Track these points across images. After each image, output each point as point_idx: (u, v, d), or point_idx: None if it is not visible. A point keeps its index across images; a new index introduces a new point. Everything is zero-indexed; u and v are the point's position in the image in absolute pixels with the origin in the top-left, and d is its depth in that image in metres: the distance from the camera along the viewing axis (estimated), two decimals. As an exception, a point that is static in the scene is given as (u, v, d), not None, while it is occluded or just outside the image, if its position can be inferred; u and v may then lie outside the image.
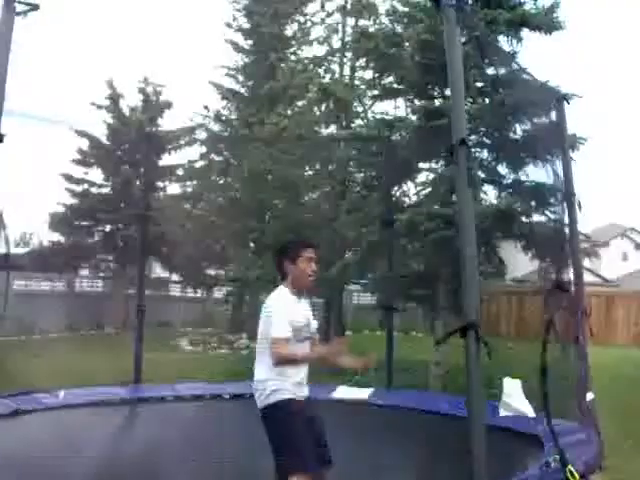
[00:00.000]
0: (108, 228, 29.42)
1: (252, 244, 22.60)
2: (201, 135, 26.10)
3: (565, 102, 6.56)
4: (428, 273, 13.62)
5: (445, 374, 13.05)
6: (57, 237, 29.91)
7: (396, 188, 13.12)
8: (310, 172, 17.64)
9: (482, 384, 3.71)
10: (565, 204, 6.66)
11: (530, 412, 5.74)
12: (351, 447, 6.00)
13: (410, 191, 14.12)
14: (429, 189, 13.68)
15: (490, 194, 13.37)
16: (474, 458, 3.58)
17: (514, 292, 24.60)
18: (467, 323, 3.68)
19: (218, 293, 28.09)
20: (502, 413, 5.83)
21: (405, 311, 18.39)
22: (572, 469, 4.02)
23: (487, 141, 13.27)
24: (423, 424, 6.82)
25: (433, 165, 13.90)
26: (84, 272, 30.65)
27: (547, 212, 12.52)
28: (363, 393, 7.65)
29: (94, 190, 29.58)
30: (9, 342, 19.96)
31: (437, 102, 13.30)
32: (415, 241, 12.97)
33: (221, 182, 23.94)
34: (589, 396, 5.46)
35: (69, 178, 29.29)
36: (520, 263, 17.86)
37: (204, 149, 25.72)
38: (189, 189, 28.14)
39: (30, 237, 34.95)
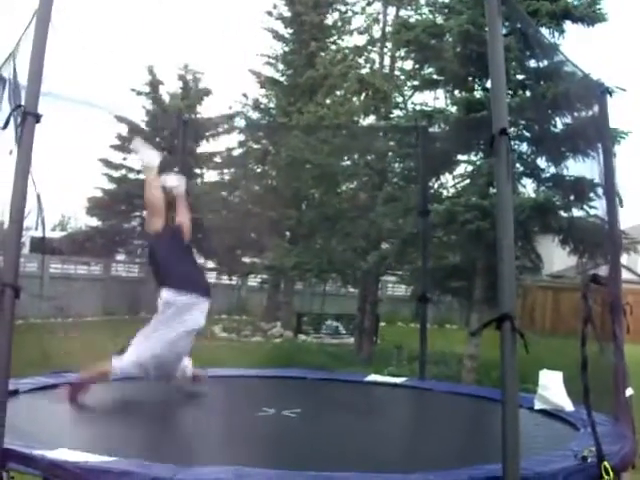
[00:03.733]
0: (145, 214, 29.53)
1: (288, 233, 22.64)
2: (239, 123, 26.16)
3: (608, 95, 6.47)
4: (464, 265, 13.57)
5: (478, 368, 13.02)
6: (94, 222, 30.15)
7: (434, 180, 13.03)
8: (347, 162, 17.59)
9: (517, 377, 3.66)
10: (605, 199, 6.56)
11: (569, 406, 5.68)
12: (384, 423, 6.03)
13: (448, 183, 14.05)
14: (467, 181, 13.62)
15: (528, 187, 13.27)
16: (507, 446, 3.56)
17: (550, 287, 24.45)
18: (503, 314, 3.64)
19: (253, 281, 28.15)
20: (537, 406, 5.78)
21: (440, 303, 18.36)
22: (608, 465, 3.97)
23: (527, 134, 13.16)
24: (457, 405, 6.79)
25: (472, 157, 13.82)
26: (120, 257, 30.86)
27: (586, 207, 12.41)
28: (397, 380, 7.64)
29: (132, 176, 29.73)
30: (45, 324, 20.13)
31: (477, 94, 13.22)
32: (452, 233, 12.90)
33: (258, 170, 23.97)
34: (628, 392, 5.39)
35: (107, 163, 29.48)
36: (556, 258, 17.76)
37: (242, 137, 25.76)
38: (226, 177, 28.20)
39: (68, 221, 35.22)
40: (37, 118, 3.91)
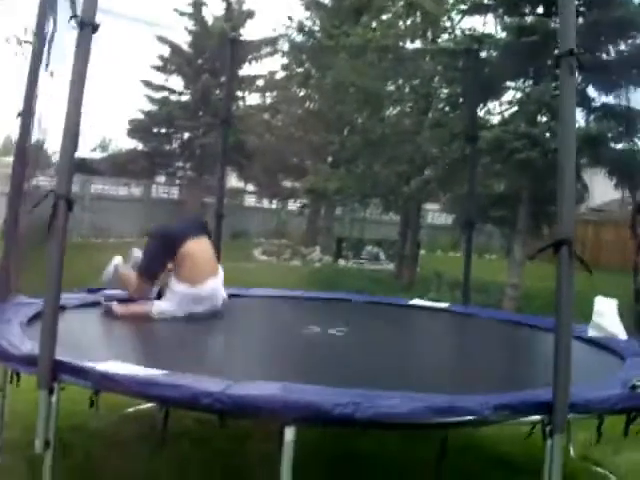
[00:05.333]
0: (186, 136, 29.54)
1: (330, 158, 22.50)
2: (283, 46, 25.85)
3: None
4: (509, 194, 13.45)
5: (520, 297, 12.99)
6: (135, 143, 30.21)
7: (481, 106, 12.81)
8: (393, 87, 17.31)
9: (572, 304, 3.59)
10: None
11: (623, 334, 5.61)
12: (430, 346, 6.09)
13: (495, 110, 13.82)
14: (515, 108, 13.38)
15: (577, 116, 13.00)
16: (559, 372, 3.52)
17: (591, 221, 24.19)
18: (561, 239, 3.56)
19: (293, 205, 28.16)
20: (591, 334, 5.71)
21: (480, 233, 18.23)
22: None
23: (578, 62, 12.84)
24: (503, 331, 6.75)
25: (520, 84, 13.55)
26: (160, 179, 30.97)
27: (636, 139, 12.18)
28: (440, 304, 7.60)
29: (173, 98, 29.67)
30: (84, 243, 20.34)
31: (528, 19, 12.91)
32: (498, 161, 12.73)
33: (301, 94, 23.76)
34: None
35: (149, 85, 29.43)
36: (597, 192, 17.49)
37: (285, 60, 25.50)
38: (268, 100, 28.03)
39: (109, 142, 35.31)
40: (94, 28, 3.83)
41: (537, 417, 3.67)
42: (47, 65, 5.19)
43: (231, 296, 7.22)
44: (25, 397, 4.50)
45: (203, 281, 5.97)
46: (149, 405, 5.54)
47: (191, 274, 5.91)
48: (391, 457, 5.83)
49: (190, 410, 3.78)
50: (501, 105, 13.90)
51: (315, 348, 5.36)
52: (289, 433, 3.40)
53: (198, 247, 6.05)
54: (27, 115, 5.26)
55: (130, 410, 6.26)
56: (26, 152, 5.31)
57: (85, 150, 33.42)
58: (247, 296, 7.40)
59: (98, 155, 33.80)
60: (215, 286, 6.10)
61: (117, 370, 3.77)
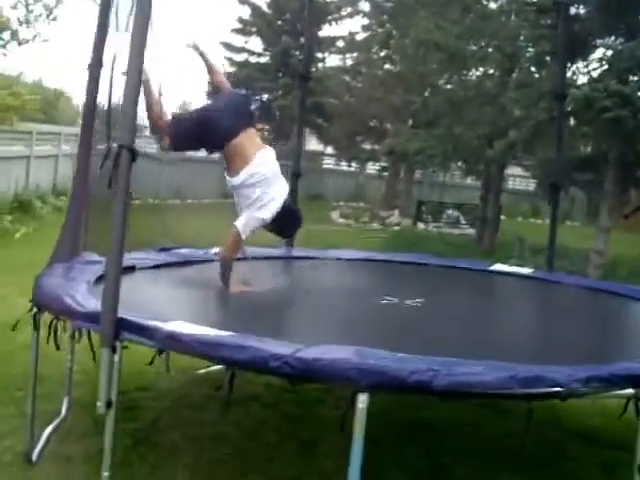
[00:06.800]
0: (265, 98, 29.43)
1: (411, 121, 22.15)
2: (364, 6, 25.49)
3: None
4: (596, 157, 12.98)
5: (605, 264, 12.56)
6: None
7: (569, 64, 12.31)
8: (476, 46, 16.83)
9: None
10: None
11: None
12: (512, 313, 5.82)
13: (583, 69, 13.29)
14: (605, 67, 12.84)
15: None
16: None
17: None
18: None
19: (372, 169, 27.87)
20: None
21: (563, 199, 17.71)
22: None
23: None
24: (589, 300, 6.41)
25: (611, 41, 12.99)
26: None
27: None
28: (524, 270, 7.26)
29: (253, 60, 29.56)
30: (162, 205, 20.43)
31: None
32: (585, 122, 12.25)
33: (382, 54, 23.39)
34: None
35: (229, 47, 29.35)
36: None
37: (366, 21, 25.13)
38: (349, 62, 27.67)
39: (189, 106, 35.37)
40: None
41: (630, 391, 3.42)
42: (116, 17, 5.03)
43: (305, 258, 7.07)
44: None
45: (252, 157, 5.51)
46: (220, 367, 5.38)
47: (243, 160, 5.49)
48: (467, 429, 5.63)
49: (257, 373, 3.56)
50: (587, 66, 13.35)
51: (391, 316, 5.12)
52: (362, 400, 3.21)
53: (249, 142, 5.55)
54: (96, 68, 5.11)
55: (201, 371, 6.15)
56: (95, 106, 5.15)
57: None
58: (322, 258, 7.18)
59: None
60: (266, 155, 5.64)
61: (182, 330, 3.61)
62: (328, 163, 30.79)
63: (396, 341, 3.97)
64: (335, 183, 28.40)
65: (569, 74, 12.93)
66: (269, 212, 5.44)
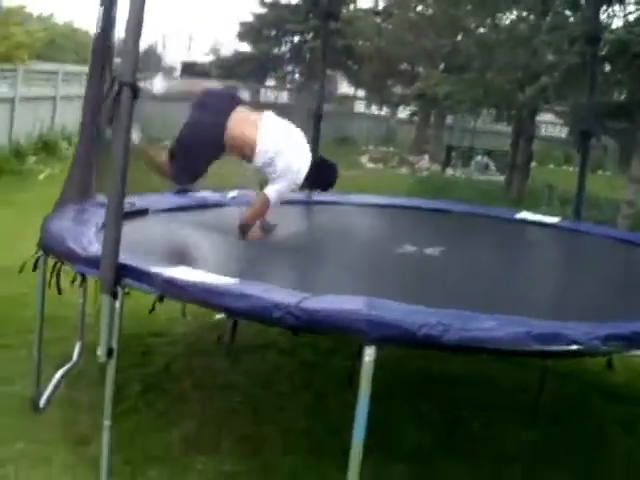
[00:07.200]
0: (296, 39, 29.08)
1: (442, 65, 21.77)
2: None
3: None
4: (629, 104, 12.63)
5: (635, 214, 12.30)
6: (245, 47, 29.89)
7: (605, 8, 11.92)
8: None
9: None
10: None
11: None
12: (536, 265, 5.60)
13: (620, 12, 12.87)
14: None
15: None
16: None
17: None
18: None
19: (402, 113, 27.52)
20: None
21: (594, 147, 17.35)
22: None
23: None
24: (617, 252, 6.18)
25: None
26: (270, 83, 30.64)
27: None
28: (550, 219, 7.02)
29: (284, 0, 29.16)
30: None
31: None
32: (619, 67, 11.90)
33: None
34: None
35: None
36: None
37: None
38: (381, 3, 27.17)
39: (220, 47, 35.01)
40: None
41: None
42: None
43: (327, 203, 6.90)
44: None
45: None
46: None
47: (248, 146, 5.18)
48: (482, 382, 5.50)
49: (260, 323, 3.42)
50: (624, 9, 12.92)
51: (408, 266, 4.96)
52: (369, 353, 3.07)
53: (243, 125, 5.19)
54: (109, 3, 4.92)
55: (217, 317, 6.03)
56: (106, 44, 4.96)
57: (197, 54, 33.31)
58: (342, 203, 7.00)
59: (210, 59, 33.69)
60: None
61: (184, 276, 3.47)
62: (359, 107, 30.41)
63: (410, 292, 3.80)
64: (366, 127, 28.05)
65: (604, 17, 12.55)
66: (299, 179, 5.24)
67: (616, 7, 12.75)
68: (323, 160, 5.57)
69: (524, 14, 15.92)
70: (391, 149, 25.66)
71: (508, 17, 16.71)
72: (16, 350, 5.28)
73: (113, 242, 3.50)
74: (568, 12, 13.86)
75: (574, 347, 3.07)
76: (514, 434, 4.72)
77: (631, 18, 12.58)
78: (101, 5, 4.92)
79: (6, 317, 5.91)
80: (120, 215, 3.51)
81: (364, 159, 23.26)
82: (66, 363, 5.13)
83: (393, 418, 4.63)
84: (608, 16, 12.81)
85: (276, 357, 5.79)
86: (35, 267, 4.33)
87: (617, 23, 12.84)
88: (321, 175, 5.47)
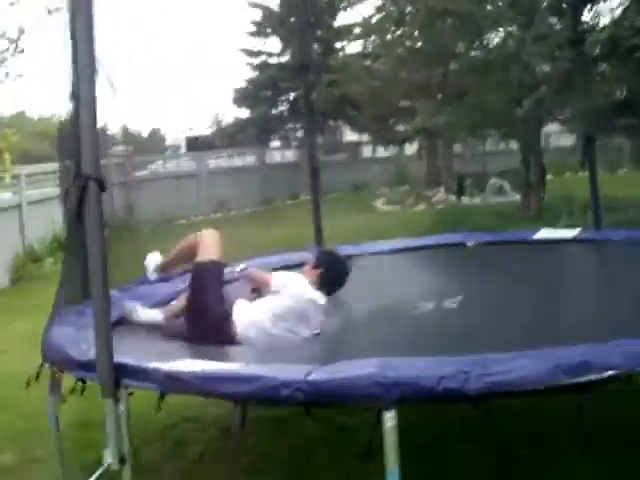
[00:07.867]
0: (292, 96, 29.20)
1: (439, 96, 21.67)
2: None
3: None
4: (632, 99, 12.43)
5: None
6: (244, 112, 30.10)
7: (588, 7, 11.74)
8: (490, 6, 16.27)
9: None
10: None
11: None
12: (558, 289, 5.27)
13: (606, 9, 12.70)
14: (626, 4, 12.23)
15: None
16: None
17: None
18: None
19: (410, 150, 27.43)
20: None
21: (607, 147, 17.10)
22: None
23: None
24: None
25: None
26: (274, 144, 30.73)
27: None
28: (569, 233, 6.75)
29: (274, 60, 29.35)
30: (202, 221, 20.28)
31: None
32: (616, 64, 11.71)
33: (399, 32, 22.92)
34: None
35: (248, 52, 29.23)
36: None
37: (379, 1, 24.64)
38: (369, 46, 27.27)
39: (222, 117, 35.34)
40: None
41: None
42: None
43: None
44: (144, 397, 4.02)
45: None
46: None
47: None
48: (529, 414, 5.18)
49: (268, 405, 3.20)
50: (610, 3, 12.75)
51: (425, 328, 4.65)
52: (389, 417, 2.85)
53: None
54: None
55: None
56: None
57: (200, 128, 33.58)
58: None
59: (212, 130, 34.03)
60: None
61: (183, 368, 3.27)
62: (366, 152, 30.34)
63: (427, 345, 3.59)
64: (375, 171, 27.98)
65: (590, 17, 12.40)
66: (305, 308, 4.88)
67: (601, 5, 12.62)
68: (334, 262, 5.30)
69: (509, 30, 15.80)
70: (406, 187, 25.50)
71: (496, 36, 16.62)
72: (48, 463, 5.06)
73: (105, 345, 3.32)
74: (553, 20, 13.70)
75: (609, 373, 2.81)
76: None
77: (617, 12, 12.43)
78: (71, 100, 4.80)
79: (32, 430, 5.69)
80: (108, 314, 3.33)
81: (379, 203, 23.12)
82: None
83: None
84: (594, 16, 12.69)
85: (315, 425, 5.53)
86: (37, 377, 4.18)
87: (604, 21, 12.68)
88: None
